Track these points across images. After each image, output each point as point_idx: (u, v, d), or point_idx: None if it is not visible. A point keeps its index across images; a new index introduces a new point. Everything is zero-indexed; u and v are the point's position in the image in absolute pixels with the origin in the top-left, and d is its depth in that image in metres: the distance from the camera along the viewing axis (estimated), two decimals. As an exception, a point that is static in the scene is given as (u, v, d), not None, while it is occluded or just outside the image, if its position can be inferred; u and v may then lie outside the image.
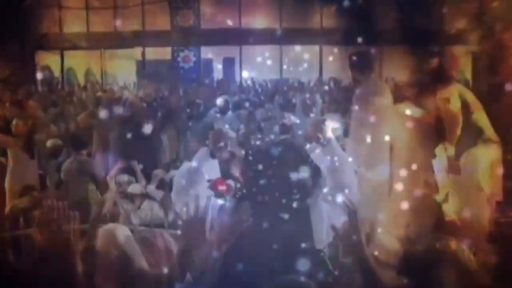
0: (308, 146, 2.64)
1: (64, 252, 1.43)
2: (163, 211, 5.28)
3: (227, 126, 6.48)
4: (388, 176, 4.75)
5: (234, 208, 2.34)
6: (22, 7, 15.36)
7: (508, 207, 4.72)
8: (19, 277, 1.60)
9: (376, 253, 2.99)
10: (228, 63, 18.52)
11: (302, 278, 1.99)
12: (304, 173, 2.27)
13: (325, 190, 2.52)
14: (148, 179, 5.84)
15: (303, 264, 2.10)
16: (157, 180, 5.68)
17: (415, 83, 4.87)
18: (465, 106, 4.68)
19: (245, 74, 17.39)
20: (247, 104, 8.98)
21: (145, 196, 5.53)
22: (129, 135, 6.23)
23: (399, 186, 4.66)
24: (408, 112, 4.83)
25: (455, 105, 4.65)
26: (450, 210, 4.89)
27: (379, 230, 4.25)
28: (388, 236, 3.27)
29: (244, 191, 2.36)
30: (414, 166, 4.42)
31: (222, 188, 3.74)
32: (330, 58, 17.08)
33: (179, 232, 4.24)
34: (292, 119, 6.82)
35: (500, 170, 4.59)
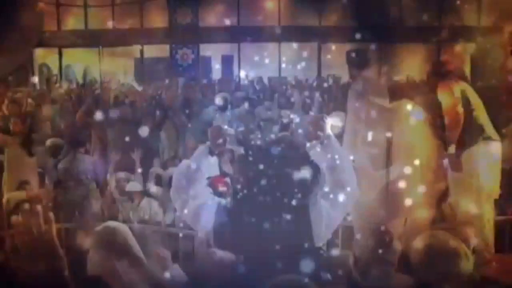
0: (308, 145, 2.63)
1: (47, 255, 1.40)
2: (162, 209, 5.28)
3: (226, 125, 6.46)
4: (385, 172, 4.75)
5: (235, 208, 2.34)
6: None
7: (506, 204, 4.73)
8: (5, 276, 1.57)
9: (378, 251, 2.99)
10: (227, 61, 18.50)
11: (302, 276, 1.99)
12: (304, 171, 2.27)
13: (325, 188, 2.51)
14: (146, 177, 5.84)
15: (302, 262, 2.10)
16: (154, 178, 5.68)
17: (414, 80, 4.86)
18: (467, 103, 4.63)
19: (244, 71, 17.37)
20: (246, 102, 8.96)
21: (144, 194, 5.54)
22: (127, 133, 6.22)
23: (396, 182, 4.66)
24: (406, 109, 4.83)
25: (456, 102, 4.60)
26: (449, 207, 4.90)
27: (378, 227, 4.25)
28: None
29: (245, 191, 2.35)
30: (412, 163, 4.42)
31: (222, 188, 3.73)
32: (329, 56, 17.07)
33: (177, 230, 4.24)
34: (291, 116, 6.81)
35: (499, 168, 4.58)
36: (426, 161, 4.54)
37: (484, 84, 6.07)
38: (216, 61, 18.84)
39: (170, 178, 4.51)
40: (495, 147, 4.61)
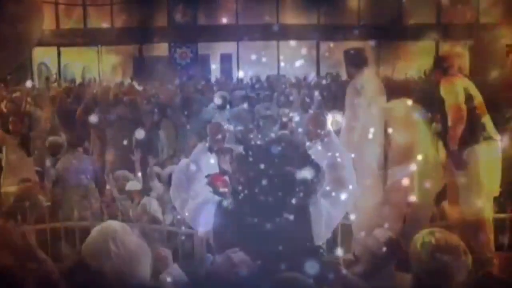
0: (308, 144, 2.62)
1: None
2: (161, 208, 5.27)
3: (225, 124, 6.46)
4: (383, 170, 4.74)
5: (235, 207, 2.33)
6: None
7: (506, 202, 4.72)
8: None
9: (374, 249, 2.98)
10: (226, 59, 18.50)
11: (301, 275, 1.98)
12: (305, 171, 2.26)
13: (325, 186, 2.50)
14: (145, 176, 5.83)
15: (302, 261, 2.09)
16: (153, 176, 5.67)
17: (413, 78, 4.85)
18: (469, 100, 4.55)
19: (243, 70, 17.37)
20: (244, 101, 8.96)
21: (144, 193, 5.53)
22: (126, 132, 6.22)
23: (394, 179, 4.66)
24: (405, 107, 4.82)
25: (459, 98, 4.53)
26: (448, 204, 4.90)
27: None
28: (384, 231, 3.27)
29: (246, 191, 2.34)
30: (411, 162, 4.42)
31: (223, 189, 3.72)
32: (327, 54, 17.07)
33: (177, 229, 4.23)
34: (291, 115, 6.80)
35: (500, 167, 4.56)
36: (425, 159, 4.53)
37: (483, 81, 6.04)
38: (215, 60, 18.84)
39: (169, 177, 4.51)
40: (496, 147, 4.58)
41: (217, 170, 3.06)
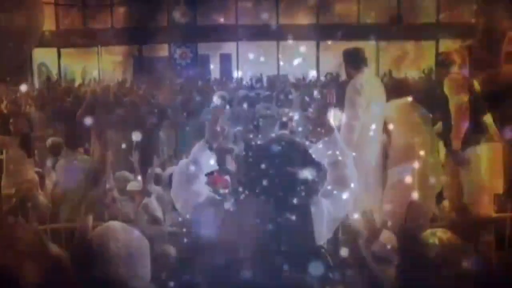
0: (308, 142, 2.61)
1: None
2: (161, 208, 5.27)
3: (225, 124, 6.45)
4: (384, 170, 4.75)
5: (236, 207, 2.33)
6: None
7: (507, 201, 4.72)
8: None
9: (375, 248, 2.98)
10: (225, 60, 18.51)
11: (303, 275, 1.98)
12: (306, 170, 2.25)
13: (327, 186, 2.50)
14: (145, 176, 5.82)
15: (303, 261, 2.09)
16: (152, 177, 5.67)
17: (413, 78, 4.84)
18: (472, 99, 4.56)
19: (242, 70, 17.38)
20: (244, 100, 8.95)
21: (144, 193, 5.52)
22: (126, 132, 6.21)
23: (394, 178, 4.66)
24: (405, 107, 4.82)
25: (463, 96, 4.53)
26: (448, 203, 4.90)
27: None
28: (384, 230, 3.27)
29: (246, 191, 2.34)
30: (412, 160, 4.42)
31: (223, 189, 3.71)
32: (327, 53, 17.07)
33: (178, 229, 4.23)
34: (290, 115, 6.79)
35: (501, 165, 4.56)
36: (425, 158, 4.54)
37: (485, 79, 6.03)
38: (215, 60, 18.86)
39: (169, 177, 4.51)
40: (498, 145, 4.58)
41: (216, 167, 3.06)
